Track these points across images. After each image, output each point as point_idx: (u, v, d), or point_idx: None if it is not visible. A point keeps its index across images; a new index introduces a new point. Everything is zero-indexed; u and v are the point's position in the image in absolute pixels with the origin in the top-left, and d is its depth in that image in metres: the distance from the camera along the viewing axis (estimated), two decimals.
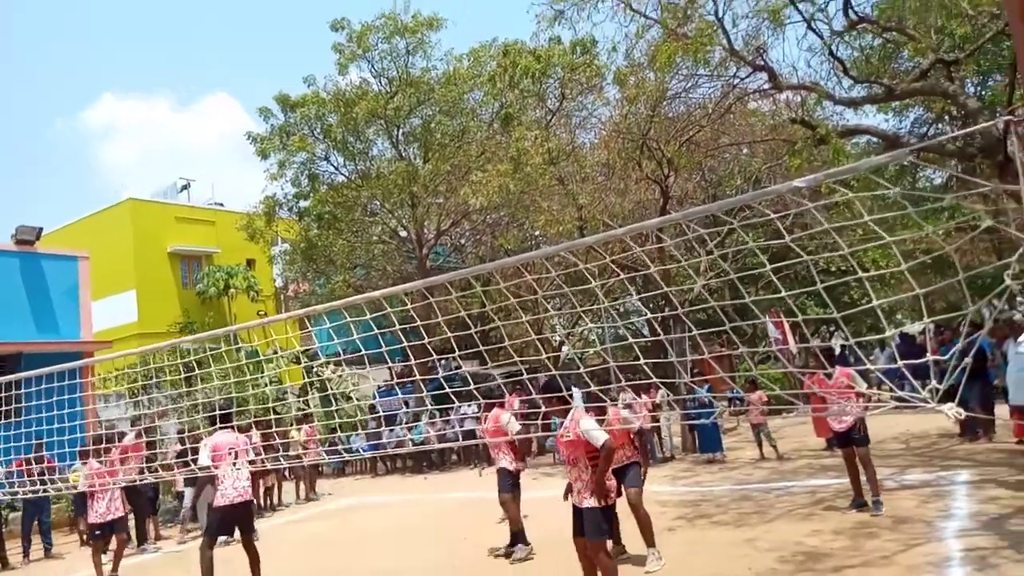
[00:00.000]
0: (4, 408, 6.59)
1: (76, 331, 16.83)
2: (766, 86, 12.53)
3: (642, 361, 4.28)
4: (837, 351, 10.22)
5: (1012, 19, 2.13)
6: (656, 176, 14.90)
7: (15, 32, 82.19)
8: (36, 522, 11.33)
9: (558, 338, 24.62)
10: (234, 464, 6.93)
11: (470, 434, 13.57)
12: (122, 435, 9.20)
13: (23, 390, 6.47)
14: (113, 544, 8.85)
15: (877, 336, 4.76)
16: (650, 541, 6.68)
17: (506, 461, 7.73)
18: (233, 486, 6.89)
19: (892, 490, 8.52)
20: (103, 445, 8.66)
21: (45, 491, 8.90)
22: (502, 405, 8.00)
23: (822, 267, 17.14)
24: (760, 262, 3.92)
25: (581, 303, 12.99)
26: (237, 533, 7.11)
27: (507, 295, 4.84)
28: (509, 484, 7.64)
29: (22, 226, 16.56)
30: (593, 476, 5.20)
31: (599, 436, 5.23)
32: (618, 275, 5.67)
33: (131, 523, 10.09)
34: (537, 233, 20.28)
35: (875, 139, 15.48)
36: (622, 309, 22.35)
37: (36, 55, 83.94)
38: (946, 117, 16.37)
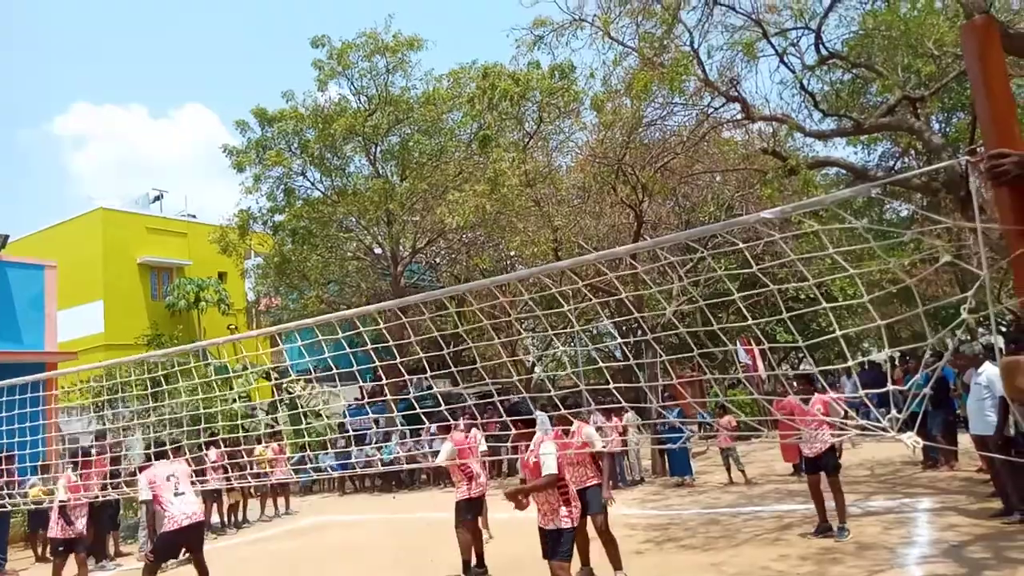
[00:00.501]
0: None
1: (40, 341, 16.46)
2: (739, 116, 12.82)
3: (612, 385, 4.33)
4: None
5: (968, 60, 2.25)
6: (631, 201, 15.09)
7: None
8: None
9: (531, 359, 24.65)
10: (176, 491, 6.86)
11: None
12: (104, 448, 9.05)
13: None
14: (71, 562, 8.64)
15: (843, 365, 4.87)
16: (617, 564, 6.69)
17: (462, 489, 7.70)
18: (182, 511, 6.83)
19: (857, 516, 8.64)
20: (80, 458, 8.51)
21: (2, 506, 8.69)
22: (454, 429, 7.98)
23: (791, 295, 17.44)
24: (730, 289, 4.01)
25: (554, 325, 13.06)
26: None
27: (480, 316, 4.87)
28: (464, 512, 7.61)
29: None
30: (560, 498, 5.24)
31: (551, 465, 5.29)
32: (591, 299, 5.74)
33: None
34: (512, 253, 20.38)
35: (844, 171, 15.89)
36: (595, 332, 22.47)
37: (10, 60, 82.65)
38: (912, 151, 16.84)
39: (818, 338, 4.56)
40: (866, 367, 17.66)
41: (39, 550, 11.62)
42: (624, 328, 18.66)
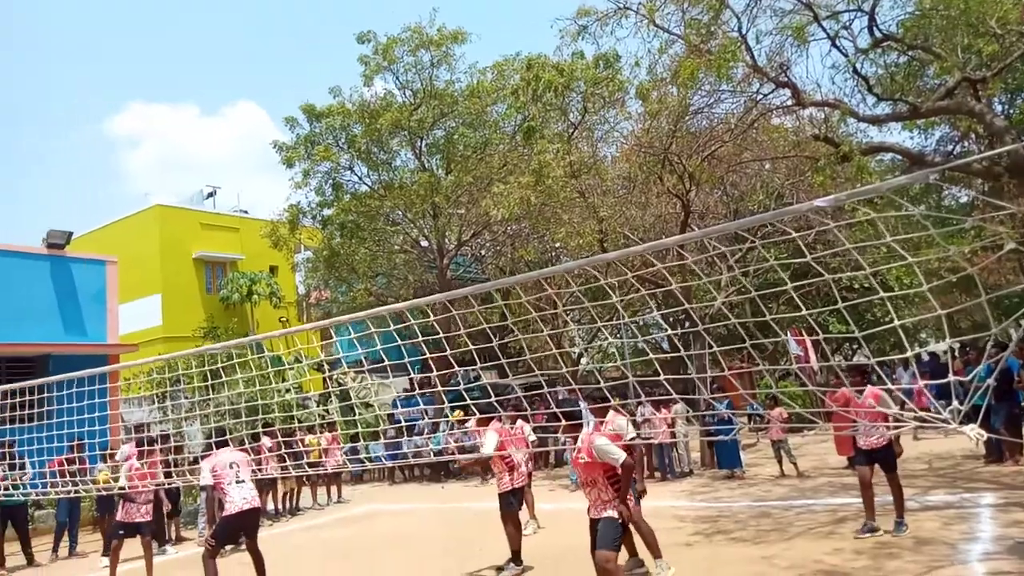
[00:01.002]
0: (34, 411, 6.77)
1: (103, 334, 17.12)
2: (789, 102, 12.53)
3: (662, 377, 4.32)
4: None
5: None
6: (677, 190, 14.91)
7: (43, 40, 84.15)
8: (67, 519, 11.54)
9: (577, 351, 24.61)
10: (237, 478, 7.12)
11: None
12: (165, 437, 9.41)
13: (52, 393, 6.62)
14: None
15: (900, 356, 4.76)
16: (656, 553, 6.73)
17: (504, 481, 7.74)
18: (242, 497, 7.09)
19: (914, 511, 8.43)
20: (146, 447, 8.85)
21: (77, 491, 9.09)
22: (498, 420, 8.01)
23: (845, 284, 17.02)
24: (781, 279, 3.95)
25: (601, 316, 13.01)
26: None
27: (528, 308, 4.90)
28: (507, 502, 7.67)
29: (53, 230, 16.92)
30: (614, 493, 5.23)
31: (618, 455, 5.25)
32: (638, 290, 5.71)
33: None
34: (557, 245, 20.35)
35: (899, 157, 15.40)
36: (642, 323, 22.31)
37: (64, 63, 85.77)
38: (972, 135, 16.23)
39: (873, 328, 4.46)
40: (925, 358, 17.16)
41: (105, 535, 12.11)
42: (672, 320, 18.48)
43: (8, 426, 7.26)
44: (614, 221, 15.69)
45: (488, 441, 7.70)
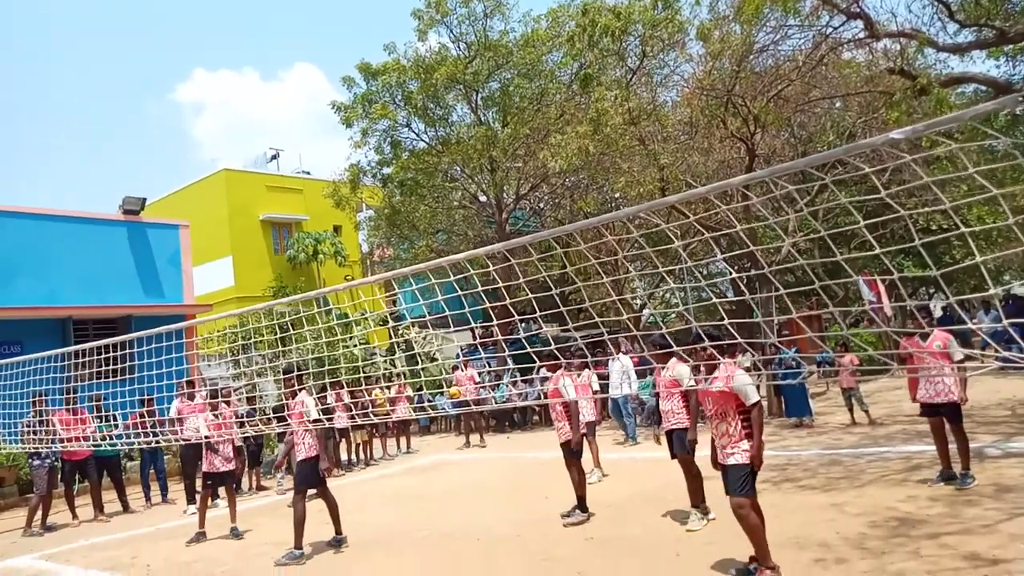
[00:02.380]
0: (119, 366, 7.14)
1: (179, 295, 17.87)
2: (862, 35, 11.82)
3: (727, 321, 4.21)
4: (938, 312, 9.70)
5: None
6: (742, 134, 14.39)
7: (111, 13, 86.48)
8: (152, 470, 12.24)
9: (639, 300, 24.38)
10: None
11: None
12: (226, 392, 9.80)
13: (134, 349, 6.96)
14: (222, 493, 9.48)
15: (976, 295, 4.51)
16: (694, 501, 6.88)
17: (564, 430, 7.77)
18: (308, 443, 7.36)
19: (995, 458, 8.12)
20: (218, 399, 9.25)
21: (157, 443, 9.62)
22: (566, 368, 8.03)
23: (922, 225, 16.25)
24: (854, 220, 3.76)
25: (663, 264, 12.81)
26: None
27: (588, 257, 4.84)
28: (568, 452, 7.72)
29: (128, 197, 17.60)
30: (743, 432, 5.17)
31: (755, 394, 5.23)
32: (702, 235, 5.57)
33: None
34: (617, 195, 20.04)
35: (983, 88, 14.41)
36: (705, 271, 21.91)
37: (130, 35, 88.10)
38: None
39: (954, 268, 4.21)
40: (1009, 301, 16.33)
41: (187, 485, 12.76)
42: (736, 267, 18.08)
43: (96, 381, 7.69)
44: (675, 168, 15.29)
45: (568, 388, 7.74)
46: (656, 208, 4.08)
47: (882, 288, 12.73)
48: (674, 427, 7.13)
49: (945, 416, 7.30)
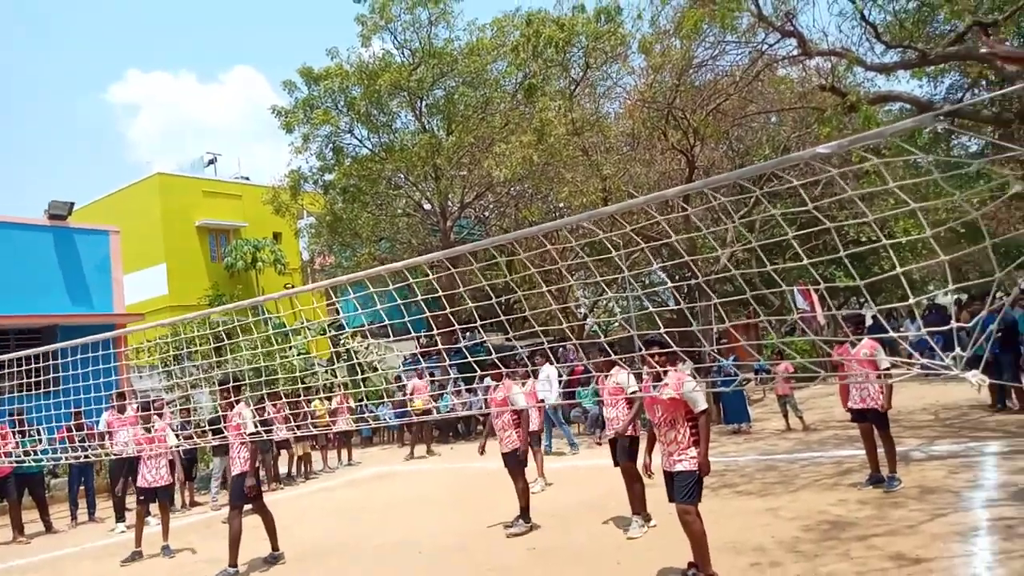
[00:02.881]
0: (43, 378, 6.80)
1: (109, 304, 17.19)
2: (795, 52, 12.24)
3: (664, 330, 4.28)
4: (869, 321, 10.05)
5: None
6: (682, 146, 14.72)
7: (42, 9, 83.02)
8: (82, 487, 11.70)
9: (582, 310, 24.60)
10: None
11: None
12: (148, 404, 9.45)
13: (60, 360, 6.63)
14: (154, 511, 9.11)
15: (903, 303, 4.69)
16: (635, 509, 7.00)
17: (512, 439, 7.76)
18: (244, 457, 7.16)
19: (920, 460, 8.47)
20: (149, 412, 8.90)
21: (87, 457, 9.20)
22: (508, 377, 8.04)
23: (852, 238, 16.88)
24: (786, 232, 3.87)
25: (605, 274, 12.96)
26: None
27: (530, 266, 4.85)
28: (515, 461, 7.72)
29: (54, 201, 16.86)
30: (691, 440, 5.21)
31: (703, 402, 5.28)
32: (641, 245, 5.64)
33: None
34: (561, 205, 20.20)
35: (908, 106, 15.10)
36: (646, 281, 22.27)
37: (62, 32, 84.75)
38: (983, 82, 15.89)
39: (877, 277, 4.38)
40: (931, 311, 17.11)
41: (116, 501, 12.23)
42: (677, 276, 18.43)
43: (17, 394, 7.31)
44: (618, 179, 15.53)
45: (518, 397, 7.72)
46: (598, 218, 4.11)
47: (815, 297, 13.16)
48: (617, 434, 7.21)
49: (872, 421, 7.58)
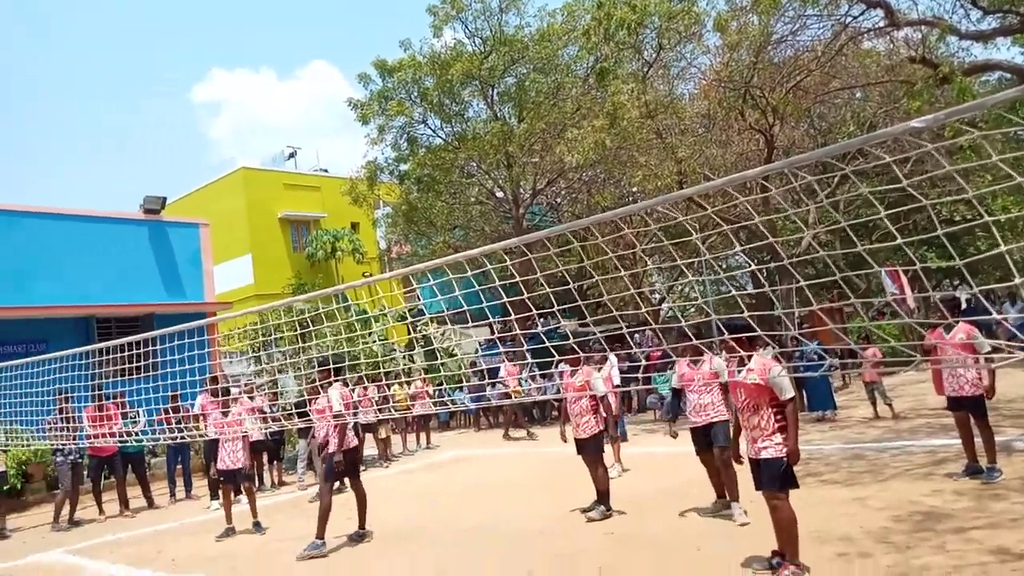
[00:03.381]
0: (142, 363, 7.22)
1: (200, 293, 18.05)
2: (882, 23, 11.68)
3: (747, 314, 4.18)
4: (963, 303, 9.54)
5: None
6: (760, 126, 14.28)
7: (128, 13, 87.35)
8: (179, 466, 12.37)
9: (657, 295, 24.29)
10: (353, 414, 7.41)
11: None
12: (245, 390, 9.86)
13: (157, 346, 7.02)
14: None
15: (1002, 285, 4.41)
16: (735, 496, 6.81)
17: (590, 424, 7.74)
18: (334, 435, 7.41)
19: (1023, 451, 8.00)
20: (228, 397, 9.31)
21: (183, 438, 9.73)
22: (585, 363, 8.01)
23: (945, 216, 16.04)
24: (876, 211, 3.70)
25: (681, 258, 12.75)
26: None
27: (606, 251, 4.82)
28: (594, 447, 7.69)
29: (148, 196, 17.77)
30: (776, 427, 5.10)
31: (790, 389, 5.15)
32: (720, 227, 5.52)
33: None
34: (635, 189, 19.95)
35: (1008, 75, 14.18)
36: (725, 264, 21.77)
37: (150, 35, 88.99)
38: None
39: (979, 257, 4.13)
40: None
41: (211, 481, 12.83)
42: (756, 260, 17.94)
43: (120, 378, 7.79)
44: (693, 161, 15.20)
45: (597, 382, 7.72)
46: (674, 201, 4.05)
47: (905, 280, 12.57)
48: (714, 420, 7.06)
49: (969, 410, 7.21)
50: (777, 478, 5.07)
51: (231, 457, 8.82)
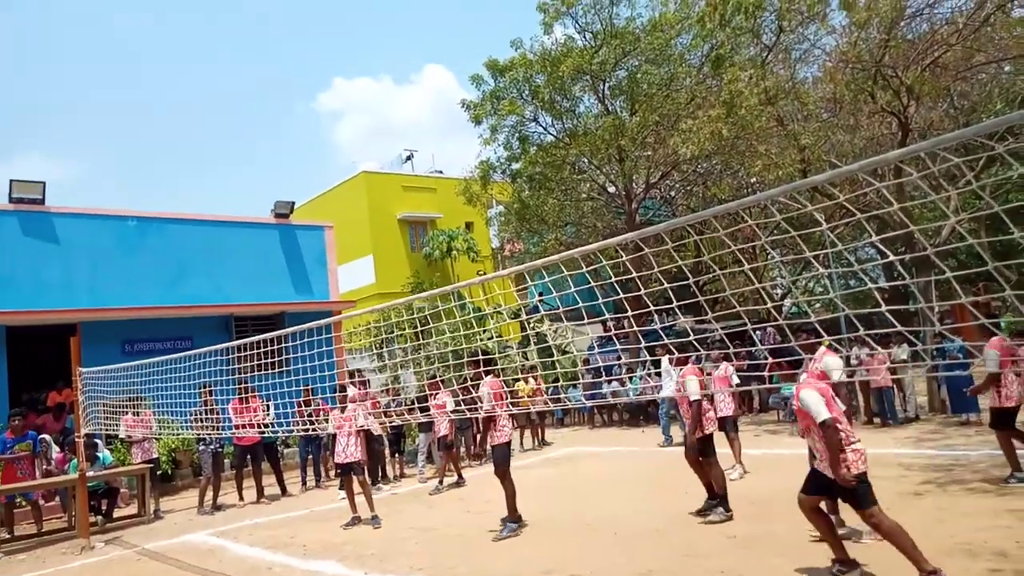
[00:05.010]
0: (275, 359, 7.67)
1: (326, 292, 19.00)
2: None
3: (884, 308, 3.89)
4: None
5: None
6: (893, 107, 13.35)
7: (258, 30, 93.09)
8: (310, 456, 13.08)
9: (780, 289, 23.25)
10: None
11: None
12: (363, 383, 10.26)
13: (289, 343, 7.43)
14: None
15: None
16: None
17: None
18: (503, 425, 7.86)
19: None
20: (344, 393, 9.77)
21: (314, 430, 10.27)
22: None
23: None
24: None
25: (806, 250, 12.11)
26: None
27: (727, 243, 4.64)
28: (698, 448, 7.50)
29: (279, 201, 18.89)
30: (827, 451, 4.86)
31: (819, 412, 4.89)
32: (851, 217, 5.17)
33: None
34: (753, 180, 19.19)
35: None
36: (854, 257, 20.52)
37: (275, 48, 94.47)
38: None
39: None
40: None
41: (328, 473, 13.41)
42: (890, 252, 16.78)
43: (255, 373, 8.30)
44: (818, 148, 14.43)
45: (691, 386, 7.54)
46: (799, 189, 3.83)
47: None
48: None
49: None
50: (856, 497, 4.81)
51: (346, 451, 9.23)
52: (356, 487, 9.35)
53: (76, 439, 9.68)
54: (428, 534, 8.07)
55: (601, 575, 5.95)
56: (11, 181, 14.75)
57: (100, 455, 10.98)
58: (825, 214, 11.63)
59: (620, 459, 12.66)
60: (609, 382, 16.55)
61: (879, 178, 11.49)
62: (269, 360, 7.53)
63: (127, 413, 10.74)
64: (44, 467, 10.89)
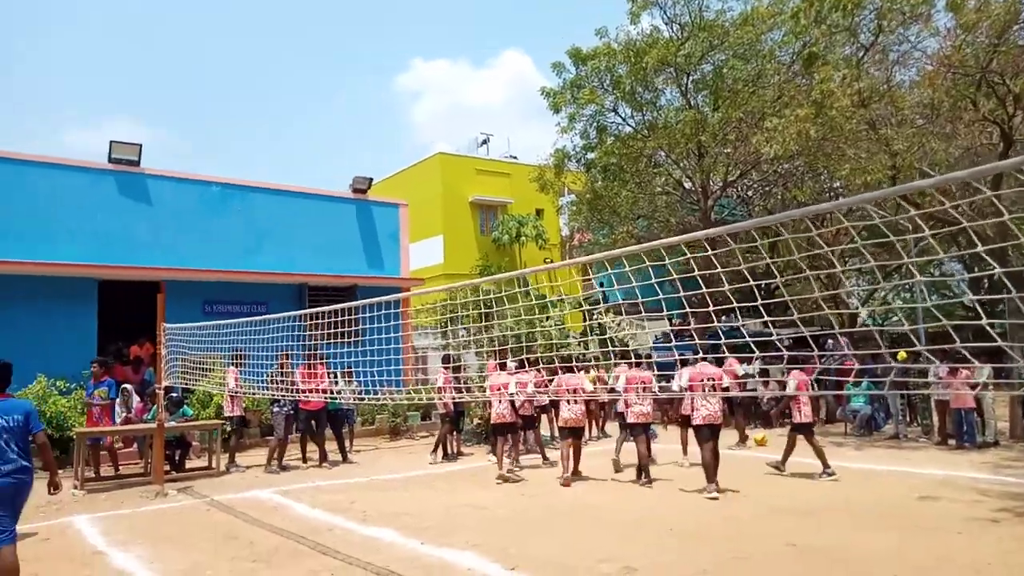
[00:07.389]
0: (346, 329, 7.93)
1: (397, 268, 19.43)
2: None
3: (981, 322, 3.72)
4: None
5: None
6: (996, 116, 12.66)
7: (340, 13, 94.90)
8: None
9: (855, 301, 22.46)
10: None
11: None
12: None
13: (359, 315, 7.66)
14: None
15: None
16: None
17: None
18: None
19: None
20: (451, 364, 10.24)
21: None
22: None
23: None
24: None
25: (887, 260, 11.66)
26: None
27: (795, 249, 4.54)
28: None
29: (357, 177, 19.36)
30: None
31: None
32: (938, 229, 4.99)
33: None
34: (837, 184, 18.53)
35: None
36: (938, 271, 19.66)
37: (360, 31, 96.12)
38: None
39: None
40: None
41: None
42: (976, 267, 16.05)
43: (326, 341, 8.59)
44: (910, 155, 13.81)
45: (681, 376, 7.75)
46: (884, 198, 3.72)
47: None
48: None
49: None
50: None
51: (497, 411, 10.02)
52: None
53: (156, 390, 10.24)
54: (482, 512, 8.22)
55: (653, 571, 5.94)
56: (111, 142, 15.59)
57: (183, 408, 11.62)
58: (911, 225, 11.19)
59: (675, 454, 12.54)
60: (668, 380, 16.35)
61: (971, 192, 10.95)
62: (339, 330, 7.80)
63: (230, 367, 11.31)
64: (124, 414, 11.55)
